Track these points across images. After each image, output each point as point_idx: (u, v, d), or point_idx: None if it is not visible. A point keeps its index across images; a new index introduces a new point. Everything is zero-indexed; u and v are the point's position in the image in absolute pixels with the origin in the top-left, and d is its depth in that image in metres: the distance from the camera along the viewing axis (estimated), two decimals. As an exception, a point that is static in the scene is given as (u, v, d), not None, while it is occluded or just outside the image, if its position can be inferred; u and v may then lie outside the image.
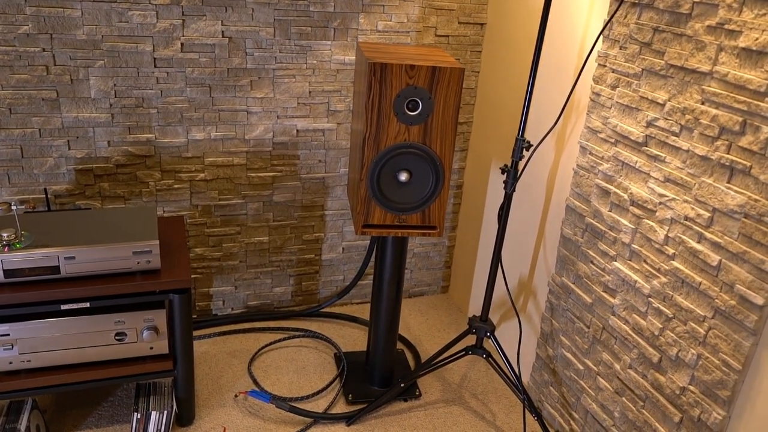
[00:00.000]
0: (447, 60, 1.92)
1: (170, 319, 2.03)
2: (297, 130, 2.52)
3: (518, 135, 1.91)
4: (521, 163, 2.32)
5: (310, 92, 2.48)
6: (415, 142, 1.90)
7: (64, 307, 1.82)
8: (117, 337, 1.92)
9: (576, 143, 2.11)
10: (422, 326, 2.82)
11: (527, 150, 1.88)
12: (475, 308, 2.88)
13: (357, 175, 1.99)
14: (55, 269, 1.79)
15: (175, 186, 2.44)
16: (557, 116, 2.07)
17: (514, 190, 1.97)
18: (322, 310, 2.84)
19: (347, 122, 2.57)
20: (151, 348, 1.97)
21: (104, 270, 1.85)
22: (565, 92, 2.14)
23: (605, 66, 1.91)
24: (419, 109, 1.86)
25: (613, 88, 1.88)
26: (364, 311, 2.89)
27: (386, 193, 1.96)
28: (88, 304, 1.84)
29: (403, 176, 1.93)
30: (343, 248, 2.80)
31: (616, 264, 1.91)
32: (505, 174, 1.97)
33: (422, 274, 3.00)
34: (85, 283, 1.82)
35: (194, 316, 2.68)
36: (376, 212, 1.98)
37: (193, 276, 2.61)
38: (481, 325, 2.16)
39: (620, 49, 1.85)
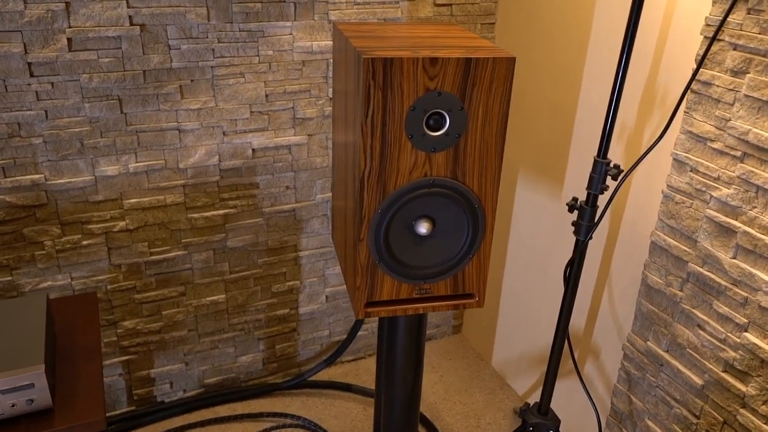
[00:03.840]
0: (481, 45, 1.23)
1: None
2: (253, 150, 1.81)
3: (599, 155, 1.24)
4: (602, 197, 1.49)
5: (267, 96, 1.76)
6: (441, 177, 1.22)
7: None
8: None
9: (664, 154, 1.45)
10: (437, 387, 2.17)
11: (614, 178, 1.22)
12: (502, 355, 2.23)
13: (351, 231, 1.30)
14: None
15: (84, 243, 1.71)
16: (638, 116, 1.40)
17: (590, 238, 1.30)
18: (308, 379, 2.17)
19: (322, 132, 1.86)
20: None
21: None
22: (639, 79, 1.48)
23: (722, 40, 1.24)
24: (446, 127, 1.17)
25: (737, 74, 1.22)
26: (357, 372, 2.23)
27: (399, 254, 1.28)
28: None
29: (424, 228, 1.25)
30: (326, 296, 2.12)
31: (748, 336, 1.28)
32: (576, 212, 1.30)
33: (428, 314, 2.34)
34: None
35: (132, 408, 1.98)
36: (385, 283, 1.30)
37: (125, 358, 1.90)
38: (542, 421, 1.51)
39: (750, 12, 1.18)
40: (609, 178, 1.27)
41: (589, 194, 1.27)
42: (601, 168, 1.23)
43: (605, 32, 1.58)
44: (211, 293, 1.93)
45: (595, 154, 1.62)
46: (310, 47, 1.75)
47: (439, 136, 1.18)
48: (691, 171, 1.35)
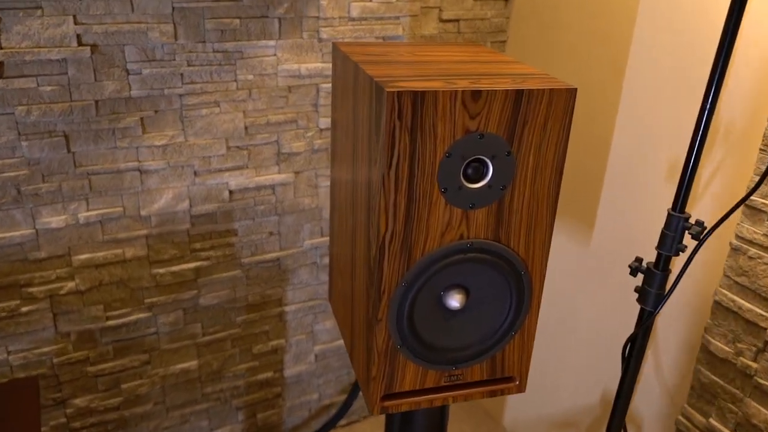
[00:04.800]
0: (526, 72, 0.98)
1: None
2: (230, 191, 1.52)
3: (675, 208, 0.99)
4: (677, 260, 1.11)
5: (246, 128, 1.48)
6: (481, 240, 0.96)
7: None
8: None
9: (731, 199, 1.22)
10: (443, 455, 1.89)
11: (695, 237, 0.97)
12: (515, 414, 1.97)
13: (363, 307, 1.02)
14: None
15: (24, 310, 1.40)
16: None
17: (658, 311, 1.05)
18: (291, 447, 1.87)
19: (311, 169, 1.58)
20: None
21: None
22: (694, 105, 1.25)
23: (818, 64, 1.01)
24: (488, 177, 0.92)
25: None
26: (352, 438, 1.94)
27: (425, 335, 1.01)
28: None
29: (456, 300, 0.99)
30: (315, 355, 1.83)
31: None
32: (642, 276, 1.05)
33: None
34: None
35: (87, 499, 1.66)
36: (408, 371, 1.03)
37: (76, 441, 1.58)
38: None
39: None
40: (688, 237, 1.03)
41: (659, 255, 1.02)
42: (678, 224, 0.98)
43: (650, 51, 1.35)
44: (180, 360, 1.63)
45: (645, 197, 1.38)
46: (298, 70, 1.47)
47: (479, 188, 0.92)
48: (771, 221, 1.12)
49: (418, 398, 1.06)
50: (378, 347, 0.99)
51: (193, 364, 1.65)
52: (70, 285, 1.43)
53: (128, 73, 1.32)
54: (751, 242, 1.16)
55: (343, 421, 1.97)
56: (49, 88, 1.27)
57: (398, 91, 0.82)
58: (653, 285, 1.03)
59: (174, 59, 1.35)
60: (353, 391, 1.86)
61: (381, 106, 0.84)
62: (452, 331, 1.03)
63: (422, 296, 0.98)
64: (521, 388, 1.11)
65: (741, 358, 1.21)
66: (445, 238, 0.94)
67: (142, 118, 1.37)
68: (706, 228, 0.96)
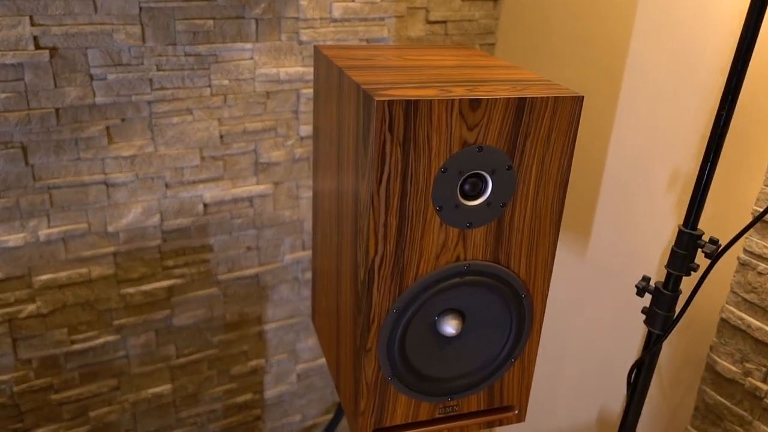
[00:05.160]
0: (526, 78, 0.90)
1: None
2: (204, 204, 1.42)
3: (686, 225, 0.92)
4: (690, 280, 1.02)
5: (222, 137, 1.38)
6: (479, 261, 0.88)
7: None
8: None
9: (739, 210, 1.15)
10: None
11: (708, 256, 0.90)
12: (509, 429, 1.89)
13: (350, 335, 0.93)
14: None
15: (-20, 336, 1.29)
16: (696, 158, 1.09)
17: (667, 334, 0.98)
18: (272, 472, 1.78)
19: (291, 180, 1.49)
20: None
21: None
22: (697, 109, 1.18)
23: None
24: (487, 194, 0.83)
25: None
26: (337, 460, 1.85)
27: (418, 364, 0.93)
28: None
29: (452, 327, 0.91)
30: (297, 375, 1.74)
31: None
32: (650, 297, 0.98)
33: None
34: None
35: None
36: (399, 404, 0.95)
37: (40, 473, 1.47)
38: None
39: None
40: (701, 255, 0.95)
41: (669, 275, 0.95)
42: (690, 242, 0.91)
43: (650, 54, 1.28)
44: (153, 384, 1.53)
45: (644, 207, 1.31)
46: (277, 75, 1.38)
47: (477, 206, 0.84)
48: (783, 235, 1.05)
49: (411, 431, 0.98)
50: (367, 379, 0.90)
51: (166, 388, 1.55)
52: (31, 308, 1.32)
53: (92, 79, 1.22)
54: (760, 257, 1.09)
55: (326, 443, 1.88)
56: (3, 96, 1.16)
57: (389, 100, 0.74)
58: (662, 306, 0.95)
59: (142, 63, 1.25)
60: (339, 411, 1.77)
61: (369, 116, 0.76)
62: (447, 360, 0.95)
63: (415, 323, 0.90)
64: (521, 418, 1.03)
65: (749, 379, 1.15)
66: (441, 261, 0.86)
67: (107, 127, 1.27)
68: (720, 245, 0.89)
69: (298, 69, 1.40)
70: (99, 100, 1.24)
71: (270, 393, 1.71)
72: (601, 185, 1.43)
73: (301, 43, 1.38)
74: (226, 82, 1.34)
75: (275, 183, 1.48)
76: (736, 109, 1.13)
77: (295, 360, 1.71)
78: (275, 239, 1.54)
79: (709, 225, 1.23)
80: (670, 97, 1.25)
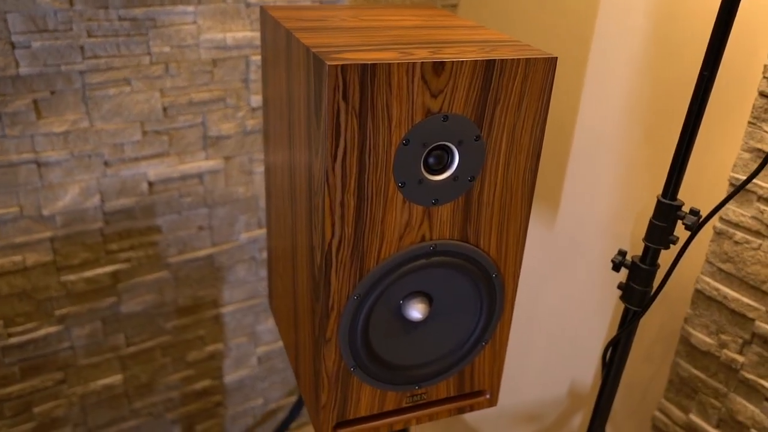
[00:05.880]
0: (494, 38, 0.82)
1: None
2: (149, 183, 1.32)
3: (666, 195, 0.86)
4: (667, 252, 0.99)
5: (165, 109, 1.27)
6: (446, 241, 0.80)
7: None
8: None
9: (715, 178, 1.10)
10: (401, 455, 1.77)
11: (689, 228, 0.84)
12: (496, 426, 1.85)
13: (309, 324, 0.86)
14: None
15: None
16: (664, 123, 1.03)
17: (645, 311, 0.93)
18: (236, 458, 1.71)
19: (243, 153, 1.39)
20: None
21: None
22: (670, 72, 1.12)
23: (817, 25, 0.89)
24: (454, 167, 0.76)
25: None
26: (303, 443, 1.79)
27: (382, 352, 0.86)
28: None
29: (418, 311, 0.84)
30: (258, 358, 1.66)
31: None
32: (627, 271, 0.93)
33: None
34: None
35: None
36: (363, 395, 0.88)
37: (-17, 475, 1.37)
38: None
39: None
40: (681, 227, 0.90)
41: (647, 249, 0.89)
42: (670, 214, 0.85)
43: (620, 14, 1.21)
44: (102, 375, 1.43)
45: (614, 176, 1.25)
46: (223, 40, 1.27)
47: (443, 180, 0.76)
48: (759, 201, 1.01)
49: (377, 423, 0.91)
50: (327, 371, 0.83)
51: (117, 378, 1.46)
52: (-40, 300, 1.21)
53: (14, 47, 1.10)
54: (737, 225, 1.05)
55: (294, 425, 1.82)
56: None
57: (342, 65, 0.65)
58: (640, 281, 0.90)
59: (71, 29, 1.13)
60: (297, 404, 1.71)
61: (321, 83, 0.67)
62: (414, 346, 0.88)
63: (379, 309, 0.83)
64: (493, 402, 0.97)
65: (725, 351, 1.11)
66: (404, 242, 0.78)
67: (35, 101, 1.15)
68: (701, 216, 0.84)
69: (247, 34, 1.29)
70: (23, 70, 1.12)
71: (230, 378, 1.63)
72: (570, 154, 1.37)
73: (248, 5, 1.27)
74: (167, 49, 1.23)
75: (226, 158, 1.38)
76: (720, 73, 1.07)
77: (255, 343, 1.63)
78: (229, 217, 1.44)
79: (683, 194, 1.18)
80: (642, 62, 1.19)
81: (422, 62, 0.68)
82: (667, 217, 0.85)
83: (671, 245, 0.88)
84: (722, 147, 1.10)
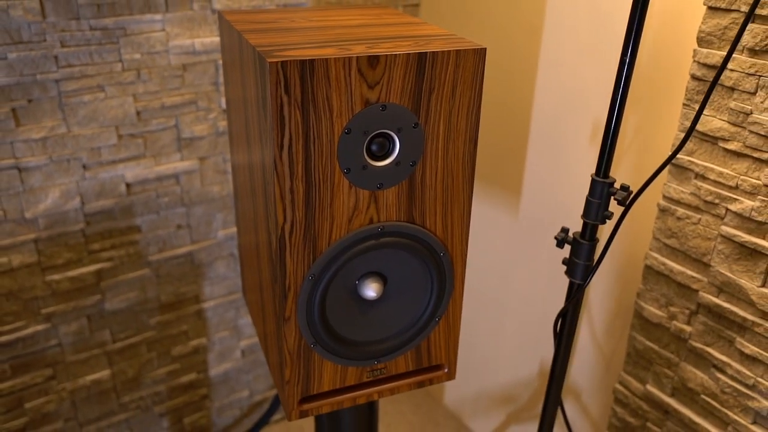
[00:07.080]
0: (432, 33, 0.89)
1: None
2: (127, 184, 1.38)
3: (598, 173, 0.92)
4: (605, 228, 1.04)
5: (138, 113, 1.34)
6: (393, 222, 0.87)
7: None
8: None
9: (655, 157, 1.17)
10: (385, 441, 1.83)
11: (621, 203, 0.91)
12: (455, 393, 1.92)
13: (270, 305, 0.92)
14: None
15: None
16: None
17: (587, 283, 0.99)
18: (224, 449, 1.77)
19: (217, 154, 1.46)
20: None
21: None
22: (612, 61, 1.18)
23: (737, 10, 0.96)
24: (395, 153, 0.82)
25: (760, 53, 0.95)
26: (289, 432, 1.85)
27: (341, 330, 0.92)
28: None
29: (372, 290, 0.90)
30: (242, 351, 1.72)
31: (785, 381, 1.02)
32: (569, 248, 0.99)
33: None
34: None
35: None
36: (325, 370, 0.94)
37: (-22, 471, 1.43)
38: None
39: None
40: (614, 203, 0.96)
41: (586, 225, 0.96)
42: (603, 190, 0.91)
43: (567, 8, 1.27)
44: (90, 371, 1.49)
45: (571, 161, 1.32)
46: (192, 46, 1.34)
47: (386, 166, 0.83)
48: (696, 179, 1.07)
49: (340, 397, 0.98)
50: (289, 348, 0.89)
51: (104, 373, 1.52)
52: (-51, 302, 1.27)
53: (-9, 58, 1.16)
54: (678, 202, 1.11)
55: (277, 416, 1.88)
56: None
57: (282, 61, 0.72)
58: (581, 256, 0.97)
59: (44, 40, 1.19)
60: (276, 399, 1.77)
61: (265, 79, 0.74)
62: (371, 323, 0.94)
63: (334, 288, 0.89)
64: (451, 376, 1.03)
65: (674, 322, 1.18)
66: (354, 224, 0.85)
67: (13, 109, 1.21)
68: (631, 192, 0.90)
69: (214, 39, 1.35)
70: (1, 81, 1.18)
71: (215, 371, 1.69)
72: (528, 141, 1.43)
73: (214, 11, 1.33)
74: (137, 56, 1.29)
75: (201, 158, 1.44)
76: (652, 60, 1.14)
77: (238, 336, 1.69)
78: (206, 216, 1.51)
79: (630, 176, 1.24)
80: (590, 49, 1.25)
81: (357, 57, 0.75)
82: (600, 194, 0.92)
83: (607, 220, 0.94)
84: (663, 129, 1.17)
